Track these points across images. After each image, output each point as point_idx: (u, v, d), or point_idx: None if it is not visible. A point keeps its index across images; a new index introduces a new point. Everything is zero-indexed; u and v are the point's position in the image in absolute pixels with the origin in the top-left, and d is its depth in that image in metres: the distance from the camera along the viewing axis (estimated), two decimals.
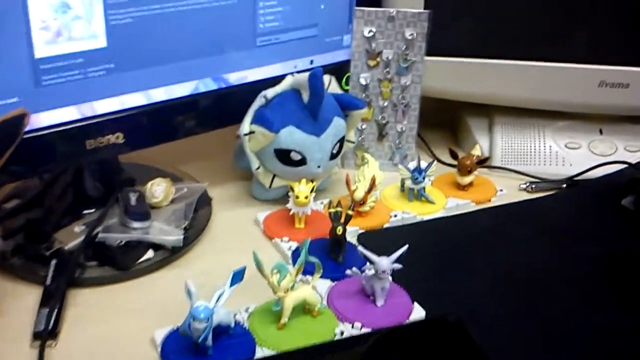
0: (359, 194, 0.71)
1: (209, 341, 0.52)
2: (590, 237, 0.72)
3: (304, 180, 0.70)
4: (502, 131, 0.89)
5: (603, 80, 0.83)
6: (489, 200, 0.80)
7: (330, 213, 0.65)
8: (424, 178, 0.75)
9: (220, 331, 0.54)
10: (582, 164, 0.85)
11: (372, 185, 0.72)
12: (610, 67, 0.82)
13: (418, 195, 0.77)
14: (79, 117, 0.65)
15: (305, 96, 0.72)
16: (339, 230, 0.64)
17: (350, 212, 0.65)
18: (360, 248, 0.59)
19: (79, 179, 0.74)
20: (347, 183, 0.73)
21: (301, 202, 0.69)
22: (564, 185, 0.83)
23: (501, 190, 0.81)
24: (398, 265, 0.58)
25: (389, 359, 0.51)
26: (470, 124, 0.92)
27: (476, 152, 0.80)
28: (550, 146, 0.87)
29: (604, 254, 0.68)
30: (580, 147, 0.87)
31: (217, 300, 0.51)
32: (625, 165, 0.83)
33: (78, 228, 0.67)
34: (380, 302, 0.59)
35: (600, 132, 0.88)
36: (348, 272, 0.59)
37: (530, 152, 0.87)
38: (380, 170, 0.75)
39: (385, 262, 0.57)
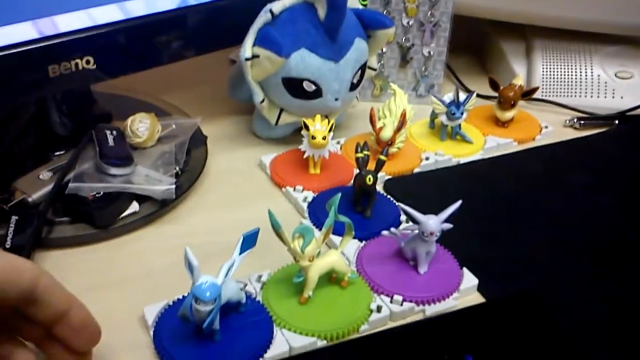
0: (386, 133, 0.59)
1: (216, 325, 0.40)
2: None
3: (318, 116, 0.57)
4: (542, 57, 0.76)
5: None
6: (533, 139, 0.68)
7: (358, 158, 0.53)
8: (462, 113, 0.63)
9: (229, 308, 0.43)
10: (635, 96, 0.73)
11: (402, 123, 0.59)
12: None
13: (452, 134, 0.65)
14: (36, 36, 0.52)
15: (322, 11, 0.58)
16: (369, 179, 0.52)
17: (383, 158, 0.53)
18: (401, 205, 0.47)
19: (42, 114, 0.61)
20: (372, 119, 0.60)
21: (318, 144, 0.56)
22: (616, 122, 0.71)
23: (546, 127, 0.69)
24: (449, 225, 0.46)
25: (459, 354, 0.40)
26: (504, 49, 0.79)
27: (519, 81, 0.68)
28: (599, 75, 0.75)
29: None
30: (633, 76, 0.75)
31: (225, 275, 0.40)
32: None
33: (44, 175, 0.55)
34: (423, 269, 0.48)
35: None
36: (385, 233, 0.48)
37: (575, 82, 0.75)
38: (408, 104, 0.62)
39: (434, 223, 0.46)
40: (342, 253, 0.47)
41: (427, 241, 0.46)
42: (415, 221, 0.46)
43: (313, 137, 0.56)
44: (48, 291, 0.36)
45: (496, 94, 0.67)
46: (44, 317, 0.36)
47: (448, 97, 0.64)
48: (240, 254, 0.42)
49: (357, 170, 0.53)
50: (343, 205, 0.53)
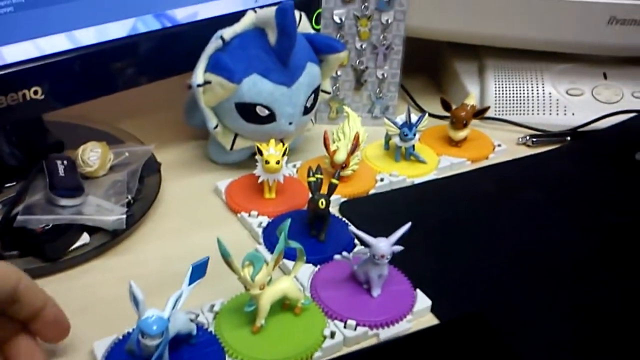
0: (340, 156, 0.59)
1: (166, 358, 0.40)
2: (608, 202, 0.62)
3: (272, 141, 0.57)
4: (495, 76, 0.77)
5: (613, 16, 0.72)
6: (487, 158, 0.69)
7: (310, 182, 0.53)
8: (414, 134, 0.63)
9: (179, 340, 0.42)
10: (586, 113, 0.74)
11: (355, 145, 0.60)
12: (622, 1, 0.71)
13: (406, 154, 0.65)
14: None
15: (272, 37, 0.58)
16: (322, 203, 0.52)
17: (335, 181, 0.53)
18: (352, 229, 0.47)
19: None
20: (326, 142, 0.60)
21: (272, 168, 0.56)
22: (568, 138, 0.73)
23: (499, 145, 0.71)
24: (399, 248, 0.46)
25: None
26: (457, 69, 0.81)
27: (471, 101, 0.69)
28: (550, 93, 0.76)
29: (628, 222, 0.59)
30: (583, 93, 0.76)
31: (173, 307, 0.39)
32: (635, 114, 0.73)
33: None
34: (376, 292, 0.48)
35: (605, 76, 0.78)
36: (337, 257, 0.48)
37: (527, 100, 0.76)
38: (362, 126, 0.62)
39: (384, 245, 0.46)
40: (295, 278, 0.46)
41: (378, 264, 0.46)
42: (366, 245, 0.46)
43: (267, 162, 0.56)
44: (28, 291, 0.40)
45: (448, 114, 0.68)
46: (23, 314, 0.40)
47: (401, 118, 0.64)
48: (189, 284, 0.41)
49: (311, 195, 0.53)
50: (297, 229, 0.53)
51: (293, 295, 0.45)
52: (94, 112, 0.69)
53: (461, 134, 0.68)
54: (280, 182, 0.58)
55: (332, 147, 0.60)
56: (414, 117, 0.64)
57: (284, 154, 0.57)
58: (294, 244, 0.45)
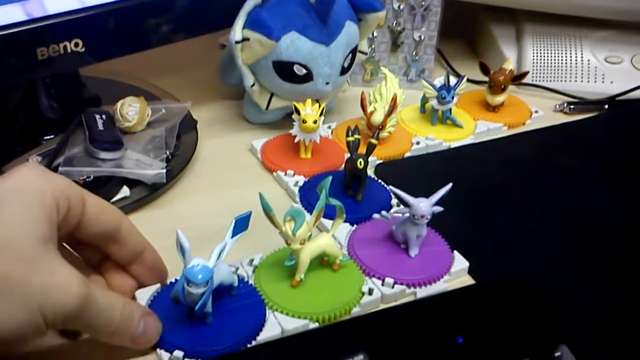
0: (377, 118, 0.59)
1: (209, 307, 0.41)
2: None
3: (309, 101, 0.57)
4: (533, 42, 0.76)
5: None
6: (523, 124, 0.68)
7: (348, 142, 0.53)
8: (452, 97, 0.63)
9: (221, 291, 0.43)
10: (624, 81, 0.73)
11: (392, 107, 0.59)
12: None
13: (443, 118, 0.65)
14: (24, 18, 0.51)
15: None
16: (360, 163, 0.52)
17: (374, 141, 0.53)
18: (392, 188, 0.47)
19: (31, 98, 0.61)
20: (363, 103, 0.60)
21: (309, 128, 0.56)
22: (606, 106, 0.72)
23: (536, 111, 0.70)
24: (439, 208, 0.46)
25: (449, 335, 0.40)
26: (494, 34, 0.79)
27: (509, 66, 0.68)
28: (589, 60, 0.75)
29: None
30: (622, 61, 0.75)
31: (217, 258, 0.40)
32: None
33: (33, 159, 0.55)
34: (414, 252, 0.48)
35: None
36: (376, 216, 0.48)
37: (565, 66, 0.75)
38: (399, 88, 0.62)
39: (425, 205, 0.46)
40: (333, 236, 0.47)
41: (418, 224, 0.46)
42: (406, 204, 0.46)
43: (304, 121, 0.56)
44: (128, 233, 0.41)
45: (486, 79, 0.67)
46: (123, 256, 0.42)
47: (439, 81, 0.63)
48: (232, 237, 0.41)
49: (348, 155, 0.53)
50: (334, 189, 0.53)
51: (332, 252, 0.46)
52: (130, 69, 0.69)
53: (499, 99, 0.67)
54: (317, 142, 0.58)
55: (369, 109, 0.60)
56: (453, 80, 0.63)
57: (321, 114, 0.57)
58: (334, 202, 0.45)
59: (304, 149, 0.59)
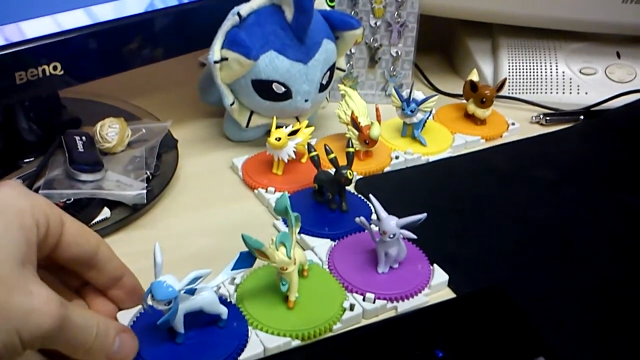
0: (375, 131, 0.59)
1: (178, 327, 0.41)
2: (620, 181, 0.62)
3: (298, 124, 0.58)
4: (508, 55, 0.77)
5: None
6: (501, 136, 0.69)
7: (331, 159, 0.54)
8: (412, 111, 0.63)
9: (209, 320, 0.43)
10: (599, 92, 0.75)
11: (379, 117, 0.60)
12: None
13: (412, 133, 0.65)
14: (2, 42, 0.51)
15: (289, 13, 0.58)
16: (350, 174, 0.53)
17: (352, 150, 0.54)
18: (372, 197, 0.48)
19: (10, 121, 0.60)
20: (356, 121, 0.59)
21: (271, 144, 0.56)
22: (581, 117, 0.73)
23: (513, 123, 0.71)
24: (410, 234, 0.46)
25: (429, 350, 0.41)
26: (471, 48, 0.81)
27: (473, 77, 0.69)
28: (564, 72, 0.76)
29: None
30: (597, 72, 0.77)
31: (188, 283, 0.39)
32: None
33: None
34: (381, 269, 0.48)
35: (618, 55, 0.78)
36: (357, 220, 0.48)
37: (541, 78, 0.76)
38: (363, 101, 0.62)
39: (391, 224, 0.46)
40: (313, 251, 0.47)
41: (384, 241, 0.47)
42: (378, 217, 0.47)
43: (273, 138, 0.56)
44: (106, 258, 0.41)
45: (461, 93, 0.68)
46: (101, 281, 0.42)
47: (406, 93, 0.64)
48: (232, 269, 0.42)
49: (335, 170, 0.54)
50: (316, 205, 0.54)
51: (304, 261, 0.46)
52: (109, 90, 0.70)
53: (488, 112, 0.68)
54: (285, 161, 0.58)
55: (364, 123, 0.60)
56: (420, 95, 0.64)
57: (291, 133, 0.57)
58: (293, 214, 0.45)
59: (276, 165, 0.59)
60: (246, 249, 0.42)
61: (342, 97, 0.62)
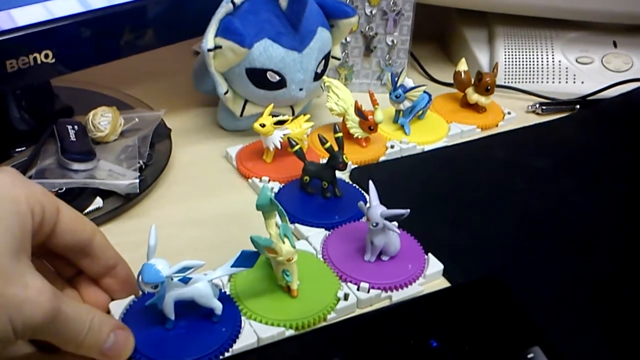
0: (379, 116, 0.59)
1: (169, 313, 0.41)
2: (615, 169, 0.62)
3: (297, 119, 0.58)
4: (504, 44, 0.77)
5: None
6: (496, 125, 0.69)
7: (327, 148, 0.53)
8: (397, 97, 0.63)
9: (205, 312, 0.42)
10: (595, 81, 0.74)
11: (373, 103, 0.60)
12: None
13: (401, 118, 0.65)
14: None
15: (283, 1, 0.58)
16: (346, 157, 0.53)
17: (340, 135, 0.54)
18: (371, 184, 0.47)
19: (2, 110, 0.60)
20: (361, 109, 0.60)
21: (256, 129, 0.56)
22: (577, 106, 0.73)
23: (509, 113, 0.70)
24: (391, 226, 0.46)
25: (424, 340, 0.41)
26: (467, 37, 0.80)
27: (462, 67, 0.69)
28: (560, 61, 0.76)
29: (635, 190, 0.59)
30: (593, 61, 0.76)
31: (176, 271, 0.39)
32: None
33: None
34: (367, 257, 0.48)
35: (615, 45, 0.77)
36: (359, 204, 0.47)
37: (537, 68, 0.76)
38: (349, 91, 0.62)
39: (376, 213, 0.45)
40: (307, 241, 0.47)
41: (371, 228, 0.46)
42: (366, 202, 0.46)
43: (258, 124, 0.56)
44: (101, 246, 0.41)
45: (452, 82, 0.68)
46: (95, 269, 0.41)
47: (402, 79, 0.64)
48: (231, 266, 0.41)
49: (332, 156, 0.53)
50: (302, 197, 0.54)
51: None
52: (102, 78, 0.69)
53: (487, 101, 0.68)
54: (278, 148, 0.58)
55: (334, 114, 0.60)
56: (409, 82, 0.63)
57: (278, 123, 0.56)
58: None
59: (266, 152, 0.59)
60: (245, 248, 0.41)
61: (328, 89, 0.62)
